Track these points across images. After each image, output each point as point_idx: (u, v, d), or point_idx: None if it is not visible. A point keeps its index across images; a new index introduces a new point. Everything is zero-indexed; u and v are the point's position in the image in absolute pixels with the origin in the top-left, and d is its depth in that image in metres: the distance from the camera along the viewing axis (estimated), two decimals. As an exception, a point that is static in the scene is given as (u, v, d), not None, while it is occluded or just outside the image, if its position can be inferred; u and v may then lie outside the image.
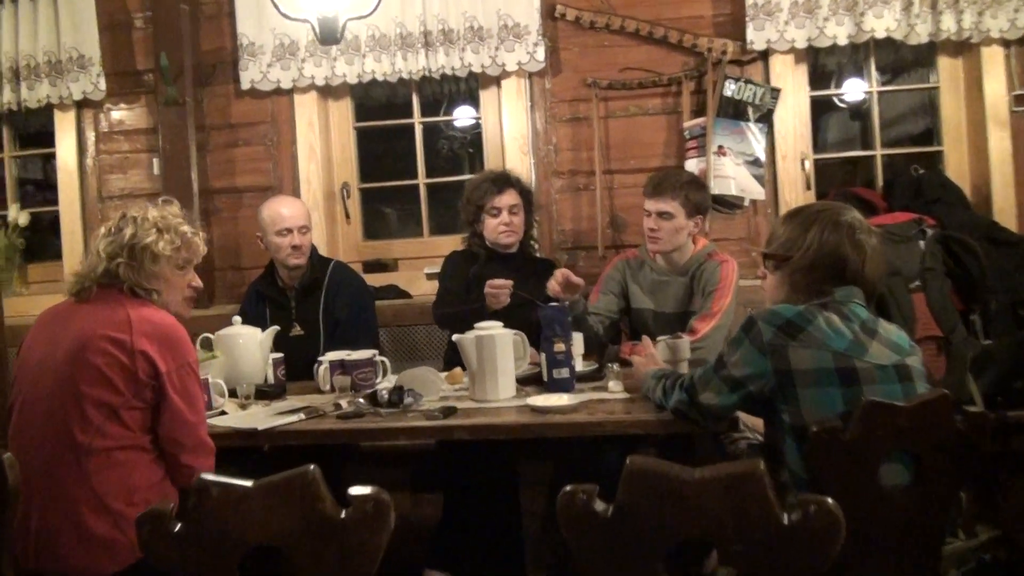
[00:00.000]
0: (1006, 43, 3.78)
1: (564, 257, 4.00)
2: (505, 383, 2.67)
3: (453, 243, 3.69)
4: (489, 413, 2.51)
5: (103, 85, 4.12)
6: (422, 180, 4.29)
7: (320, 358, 3.02)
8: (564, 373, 2.70)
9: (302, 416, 2.56)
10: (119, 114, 4.25)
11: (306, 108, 4.15)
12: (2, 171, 4.49)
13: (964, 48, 3.89)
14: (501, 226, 3.40)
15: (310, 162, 4.17)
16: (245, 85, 4.07)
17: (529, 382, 2.83)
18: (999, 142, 3.82)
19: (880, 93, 4.07)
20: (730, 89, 3.80)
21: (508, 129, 4.04)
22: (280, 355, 3.16)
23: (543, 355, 2.73)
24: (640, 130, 3.96)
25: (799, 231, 2.17)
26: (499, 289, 3.09)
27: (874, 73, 4.05)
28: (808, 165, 3.96)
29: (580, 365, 2.91)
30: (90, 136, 4.27)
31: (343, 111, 4.29)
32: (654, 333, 2.85)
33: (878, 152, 4.06)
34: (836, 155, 4.21)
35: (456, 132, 4.40)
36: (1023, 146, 3.80)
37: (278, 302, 3.50)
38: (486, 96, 4.15)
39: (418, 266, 4.18)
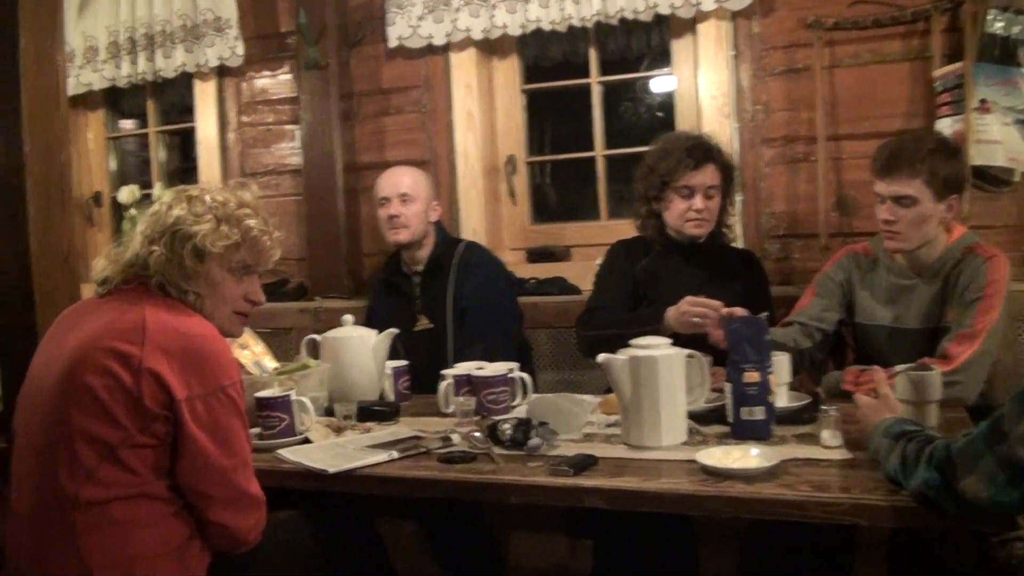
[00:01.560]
0: None
1: (775, 247, 3.15)
2: (671, 424, 1.93)
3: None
4: (641, 470, 1.78)
5: (241, 50, 3.71)
6: (600, 152, 3.56)
7: (444, 371, 2.40)
8: (757, 414, 1.92)
9: (394, 454, 1.94)
10: (263, 82, 3.82)
11: (464, 68, 3.53)
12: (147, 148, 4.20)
13: None
14: (691, 212, 2.61)
15: (468, 131, 3.55)
16: (393, 42, 3.51)
17: (708, 420, 2.06)
18: None
19: None
20: (996, 24, 2.80)
21: (705, 86, 3.22)
22: (403, 364, 2.58)
23: (729, 387, 1.96)
24: (876, 82, 3.02)
25: None
26: (705, 309, 2.31)
27: None
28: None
29: (784, 398, 2.11)
30: (231, 107, 3.87)
31: (509, 71, 3.64)
32: (890, 359, 2.01)
33: None
34: None
35: (642, 93, 3.63)
36: None
37: (402, 290, 3.01)
38: (679, 46, 3.36)
39: (593, 255, 3.45)
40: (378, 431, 2.19)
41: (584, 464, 1.79)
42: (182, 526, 1.61)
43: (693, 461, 1.75)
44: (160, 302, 1.66)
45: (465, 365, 2.43)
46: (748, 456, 1.73)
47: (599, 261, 3.25)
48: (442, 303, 2.89)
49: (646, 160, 2.72)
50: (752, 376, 1.92)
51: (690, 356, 2.02)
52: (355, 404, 2.30)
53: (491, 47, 3.57)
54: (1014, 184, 2.89)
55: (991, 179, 2.87)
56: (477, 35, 3.41)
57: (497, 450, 1.94)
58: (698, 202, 2.60)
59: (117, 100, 4.25)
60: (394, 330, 2.55)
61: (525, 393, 2.40)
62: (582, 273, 3.41)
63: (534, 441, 1.92)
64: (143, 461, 1.55)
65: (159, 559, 1.56)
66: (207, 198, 1.74)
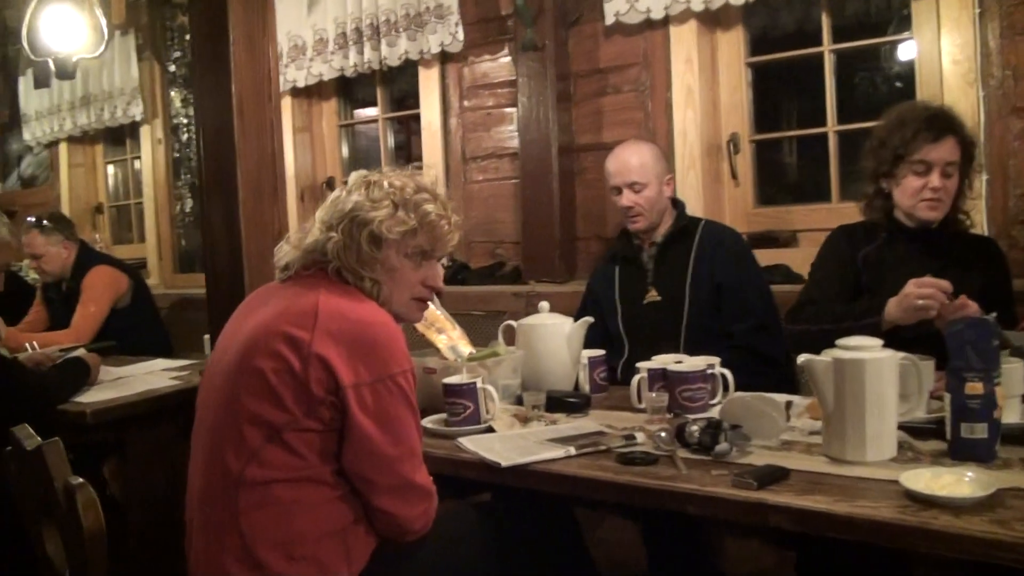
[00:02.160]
0: None
1: (1023, 235, 2.76)
2: (878, 437, 1.71)
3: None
4: (837, 488, 1.59)
5: (461, 35, 3.74)
6: (832, 128, 3.28)
7: (640, 364, 2.29)
8: (979, 432, 1.67)
9: (571, 450, 1.87)
10: (483, 66, 3.84)
11: (684, 42, 3.36)
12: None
13: None
14: (928, 191, 2.32)
15: (687, 109, 3.38)
16: (610, 19, 3.40)
17: (925, 434, 1.82)
18: None
19: None
20: None
21: (948, 49, 2.87)
22: (600, 353, 2.49)
23: (948, 397, 1.72)
24: None
25: None
26: (933, 290, 2.06)
27: None
28: None
29: (1017, 413, 1.82)
30: (453, 92, 3.93)
31: (733, 44, 3.42)
32: None
33: None
34: None
35: (881, 62, 3.30)
36: None
37: (632, 259, 2.88)
38: (919, 7, 2.99)
39: (821, 240, 3.18)
40: (564, 424, 2.13)
41: (772, 477, 1.63)
42: (347, 510, 1.63)
43: (896, 482, 1.54)
44: (336, 288, 1.69)
45: (663, 358, 2.31)
46: (960, 482, 1.50)
47: (823, 248, 3.01)
48: (678, 277, 2.76)
49: (877, 132, 2.45)
50: (975, 387, 1.66)
51: (905, 359, 1.79)
52: (544, 394, 2.25)
53: (714, 18, 3.37)
54: None
55: None
56: (698, 6, 3.22)
57: (682, 453, 1.82)
58: (935, 180, 2.31)
59: (351, 89, 4.46)
60: (589, 319, 2.47)
61: (726, 391, 2.25)
62: (808, 259, 3.14)
63: (722, 447, 1.78)
64: (308, 445, 1.58)
65: (321, 540, 1.59)
66: (385, 183, 1.75)
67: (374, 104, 4.38)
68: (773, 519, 1.54)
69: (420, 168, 1.86)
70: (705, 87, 3.40)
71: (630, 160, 2.83)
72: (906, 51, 3.13)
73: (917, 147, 2.31)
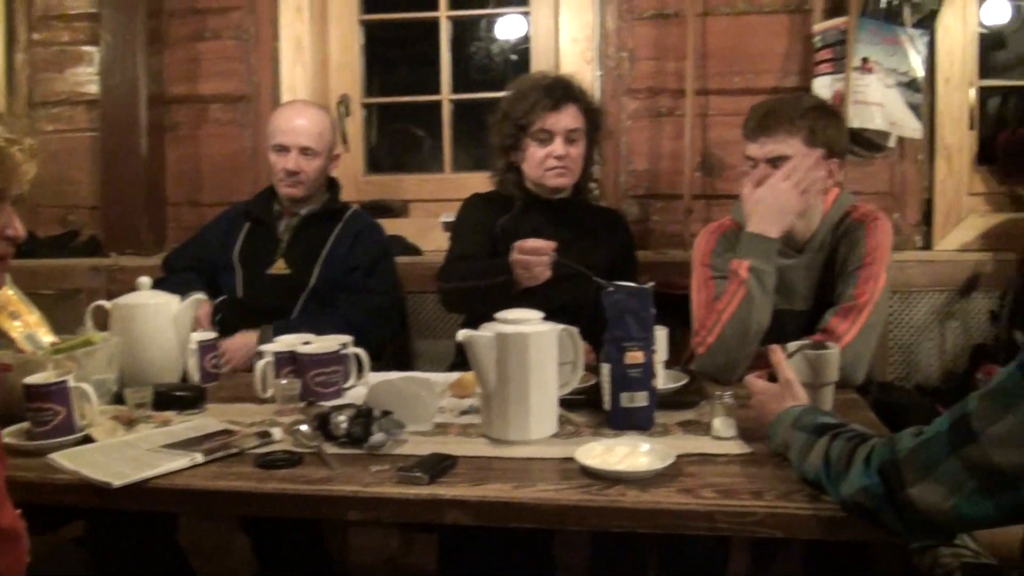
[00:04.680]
0: None
1: (633, 209, 2.90)
2: (541, 414, 1.61)
3: (484, 182, 2.60)
4: (510, 472, 1.45)
5: (31, -51, 3.10)
6: (447, 96, 3.20)
7: (262, 347, 1.99)
8: (639, 400, 1.64)
9: (198, 458, 1.53)
10: (60, -6, 3.22)
11: (294, -10, 3.08)
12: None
13: None
14: (551, 159, 2.33)
15: (296, 64, 3.10)
16: (209, -48, 3.01)
17: (578, 405, 1.77)
18: None
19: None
20: (882, -23, 2.64)
21: (567, 29, 2.92)
22: (212, 337, 2.14)
23: (605, 367, 1.67)
24: (751, 34, 2.80)
25: None
26: (535, 255, 2.04)
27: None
28: (973, 95, 2.82)
29: (662, 378, 1.83)
30: (20, 21, 3.23)
31: (346, -2, 3.21)
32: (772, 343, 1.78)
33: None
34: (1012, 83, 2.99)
35: (497, 33, 3.29)
36: None
37: (264, 222, 2.60)
38: (538, -16, 3.03)
39: (435, 211, 3.11)
40: (179, 424, 1.75)
41: (441, 467, 1.45)
42: None
43: (570, 459, 1.45)
44: None
45: (288, 339, 2.03)
46: (637, 453, 1.44)
47: (443, 218, 2.94)
48: (311, 255, 2.54)
49: (500, 106, 2.44)
50: (636, 356, 1.63)
51: (564, 332, 1.71)
52: (150, 389, 1.85)
53: (327, -32, 3.13)
54: (887, 151, 2.75)
55: (865, 143, 2.71)
56: (308, -50, 2.96)
57: (330, 448, 1.57)
58: (558, 147, 2.33)
59: None
60: (199, 296, 2.12)
61: (360, 373, 2.03)
62: (423, 231, 3.07)
63: (377, 437, 1.56)
64: None
65: None
66: None
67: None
68: (450, 515, 1.37)
69: None
70: (316, 41, 3.15)
71: (310, 124, 2.57)
72: (523, 25, 3.13)
73: (537, 116, 2.32)
